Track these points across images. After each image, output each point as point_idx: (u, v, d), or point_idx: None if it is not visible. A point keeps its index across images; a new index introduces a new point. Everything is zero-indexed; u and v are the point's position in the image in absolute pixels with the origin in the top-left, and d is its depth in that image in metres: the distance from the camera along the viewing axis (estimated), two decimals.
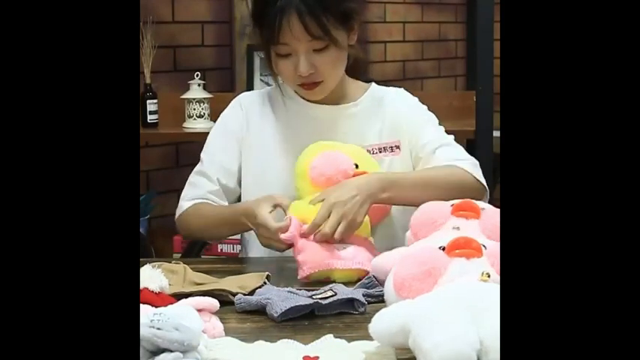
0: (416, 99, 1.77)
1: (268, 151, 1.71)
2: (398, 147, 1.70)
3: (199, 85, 2.77)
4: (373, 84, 1.78)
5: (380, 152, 1.69)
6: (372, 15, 3.80)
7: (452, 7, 4.14)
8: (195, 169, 1.75)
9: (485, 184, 1.65)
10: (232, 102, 1.78)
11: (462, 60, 4.18)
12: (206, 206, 1.69)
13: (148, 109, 2.75)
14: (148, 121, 2.76)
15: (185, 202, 1.71)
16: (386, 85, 1.80)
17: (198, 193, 1.70)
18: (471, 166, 1.64)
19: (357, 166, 1.57)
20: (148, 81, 2.76)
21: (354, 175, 1.54)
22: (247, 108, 1.74)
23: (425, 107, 1.76)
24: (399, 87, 1.81)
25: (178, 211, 1.72)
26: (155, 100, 2.77)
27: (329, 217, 1.46)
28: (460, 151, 1.69)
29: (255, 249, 1.67)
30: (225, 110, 1.78)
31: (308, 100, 1.70)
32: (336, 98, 1.70)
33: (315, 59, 1.59)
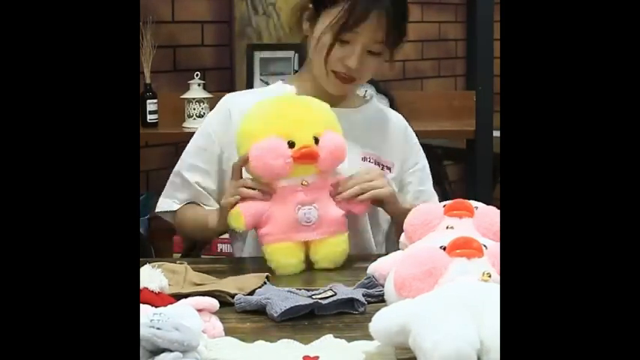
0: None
1: None
2: (389, 169, 1.74)
3: (199, 84, 2.77)
4: (374, 98, 1.85)
5: (375, 164, 1.72)
6: None
7: (452, 7, 4.13)
8: (176, 169, 1.74)
9: None
10: (219, 103, 1.78)
11: (462, 60, 4.18)
12: (189, 209, 1.72)
13: (148, 109, 2.75)
14: (148, 121, 2.75)
15: (170, 202, 1.74)
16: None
17: (180, 196, 1.73)
18: None
19: (291, 144, 1.48)
20: (147, 81, 2.76)
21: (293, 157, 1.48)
22: (232, 108, 1.71)
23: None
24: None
25: (167, 210, 1.74)
26: (155, 100, 2.76)
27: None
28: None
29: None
30: (211, 112, 1.79)
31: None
32: (337, 101, 1.70)
33: (366, 59, 1.63)
